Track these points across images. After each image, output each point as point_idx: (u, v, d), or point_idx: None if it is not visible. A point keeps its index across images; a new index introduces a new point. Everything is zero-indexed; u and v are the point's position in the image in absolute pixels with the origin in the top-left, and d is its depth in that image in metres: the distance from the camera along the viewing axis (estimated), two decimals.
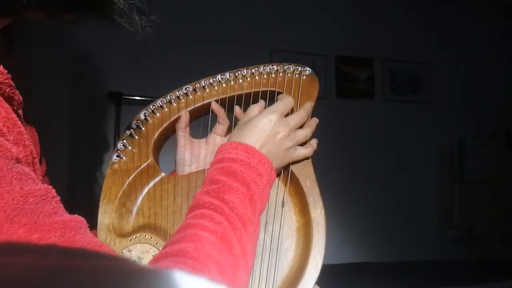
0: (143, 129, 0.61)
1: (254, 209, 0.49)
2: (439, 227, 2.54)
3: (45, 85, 1.82)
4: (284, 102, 0.58)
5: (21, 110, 0.41)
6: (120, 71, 1.98)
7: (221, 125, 0.65)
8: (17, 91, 0.40)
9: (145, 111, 0.61)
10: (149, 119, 0.61)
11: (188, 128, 0.63)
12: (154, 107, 0.61)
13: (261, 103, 0.61)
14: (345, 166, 2.29)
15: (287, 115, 0.59)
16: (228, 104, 0.64)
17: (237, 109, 0.63)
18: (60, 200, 0.37)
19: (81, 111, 1.97)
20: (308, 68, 0.64)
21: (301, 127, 0.60)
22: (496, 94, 2.66)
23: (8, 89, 0.37)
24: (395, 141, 2.46)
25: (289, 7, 2.33)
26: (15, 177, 0.33)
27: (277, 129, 0.55)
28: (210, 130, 0.67)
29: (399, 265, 2.16)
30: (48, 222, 0.33)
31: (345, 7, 2.43)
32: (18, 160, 0.35)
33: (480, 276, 1.88)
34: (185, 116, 0.62)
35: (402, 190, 2.44)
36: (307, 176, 0.59)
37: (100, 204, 0.56)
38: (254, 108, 0.59)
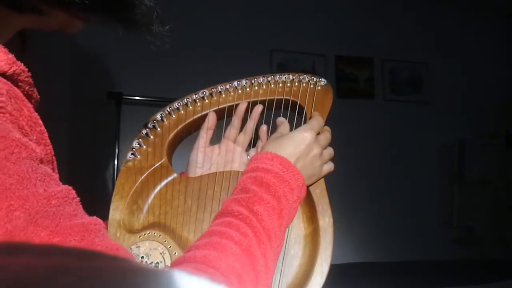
0: (158, 129, 0.62)
1: (281, 224, 0.49)
2: (439, 227, 2.54)
3: (45, 85, 1.82)
4: (318, 121, 0.59)
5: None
6: (120, 71, 1.99)
7: (234, 130, 0.65)
8: (35, 89, 0.40)
9: (161, 112, 0.62)
10: (165, 120, 0.62)
11: (211, 132, 0.64)
12: (170, 108, 0.62)
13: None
14: (345, 166, 2.28)
15: None
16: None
17: (259, 109, 0.64)
18: (79, 201, 0.37)
19: (81, 111, 1.96)
20: (323, 79, 0.65)
21: None
22: (496, 94, 2.66)
23: (27, 87, 0.38)
24: (395, 141, 2.46)
25: (289, 7, 2.33)
26: (39, 178, 0.33)
27: (311, 146, 0.56)
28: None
29: (399, 265, 2.16)
30: (69, 225, 0.33)
31: (345, 7, 2.43)
32: (41, 161, 0.35)
33: (480, 276, 1.88)
34: (212, 117, 0.62)
35: (402, 190, 2.44)
36: (317, 184, 0.60)
37: (112, 199, 0.57)
38: (287, 127, 0.60)
